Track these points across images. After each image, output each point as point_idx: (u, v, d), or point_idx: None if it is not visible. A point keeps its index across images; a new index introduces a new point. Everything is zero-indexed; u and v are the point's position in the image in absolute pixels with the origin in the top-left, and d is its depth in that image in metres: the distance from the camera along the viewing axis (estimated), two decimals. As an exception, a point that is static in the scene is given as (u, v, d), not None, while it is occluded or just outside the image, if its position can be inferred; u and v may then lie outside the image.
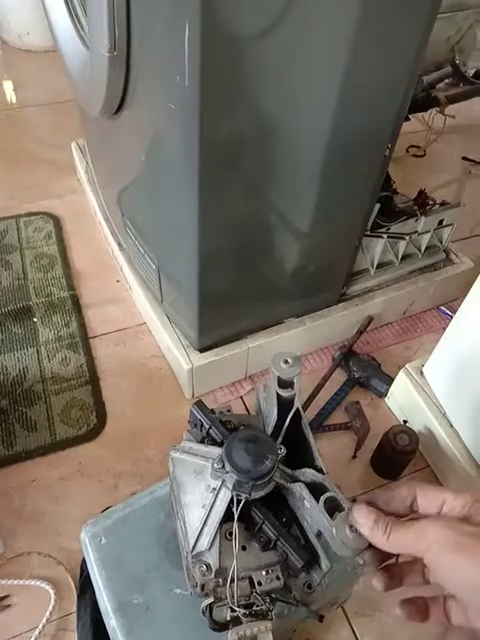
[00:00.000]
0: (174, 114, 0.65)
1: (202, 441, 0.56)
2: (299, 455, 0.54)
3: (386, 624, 0.80)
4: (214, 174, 0.70)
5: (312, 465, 0.52)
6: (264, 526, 0.50)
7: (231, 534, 0.50)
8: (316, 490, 0.48)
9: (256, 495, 0.49)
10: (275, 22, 0.59)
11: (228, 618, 0.53)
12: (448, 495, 0.40)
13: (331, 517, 0.45)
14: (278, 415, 0.53)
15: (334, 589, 0.64)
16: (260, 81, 0.63)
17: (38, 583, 0.80)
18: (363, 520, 0.41)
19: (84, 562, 0.80)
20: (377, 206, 0.93)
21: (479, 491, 0.40)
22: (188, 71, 0.59)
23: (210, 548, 0.49)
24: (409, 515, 0.42)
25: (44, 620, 0.76)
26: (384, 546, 0.40)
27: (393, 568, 0.44)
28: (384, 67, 0.69)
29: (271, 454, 0.49)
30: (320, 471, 0.50)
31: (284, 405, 0.54)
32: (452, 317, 1.18)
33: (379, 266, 1.08)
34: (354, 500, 0.45)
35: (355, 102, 0.70)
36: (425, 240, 1.09)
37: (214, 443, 0.55)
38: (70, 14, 0.87)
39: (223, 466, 0.49)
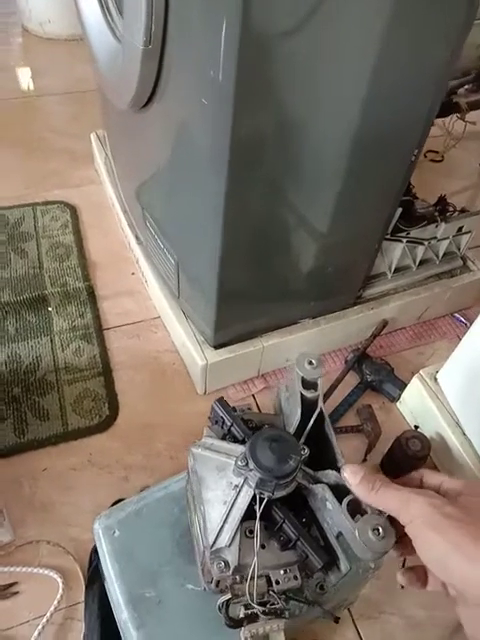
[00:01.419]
0: (206, 109, 0.65)
1: (223, 438, 0.57)
2: (320, 456, 0.54)
3: (391, 626, 0.80)
4: (241, 171, 0.69)
5: (334, 466, 0.52)
6: (284, 525, 0.50)
7: (251, 532, 0.50)
8: (338, 492, 0.48)
9: (278, 494, 0.49)
10: (308, 19, 0.59)
11: (242, 615, 0.53)
12: (446, 477, 0.44)
13: (353, 520, 0.46)
14: (301, 416, 0.54)
15: (344, 591, 0.64)
16: (291, 79, 0.63)
17: (46, 572, 0.80)
18: (351, 474, 0.45)
19: (93, 552, 0.81)
20: (399, 210, 0.92)
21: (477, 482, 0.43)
22: (223, 67, 0.59)
23: (230, 545, 0.49)
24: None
25: (52, 608, 0.76)
26: (370, 499, 0.44)
27: (419, 569, 0.46)
28: (416, 70, 0.69)
29: (295, 454, 0.49)
30: (343, 473, 0.50)
31: (307, 406, 0.54)
32: (466, 324, 1.19)
33: (396, 270, 1.08)
34: None
35: (384, 104, 0.70)
36: (443, 246, 1.09)
37: (235, 440, 0.55)
38: (101, 6, 0.87)
39: (247, 464, 0.49)
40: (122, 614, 0.61)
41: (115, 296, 1.18)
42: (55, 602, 0.77)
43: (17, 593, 0.79)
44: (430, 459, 0.95)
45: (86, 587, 0.78)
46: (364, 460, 0.96)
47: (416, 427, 1.00)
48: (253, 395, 1.04)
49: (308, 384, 0.55)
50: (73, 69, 1.84)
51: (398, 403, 1.05)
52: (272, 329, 1.01)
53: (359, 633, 0.79)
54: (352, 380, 1.07)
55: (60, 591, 0.78)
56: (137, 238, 1.16)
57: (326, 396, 1.02)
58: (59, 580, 0.79)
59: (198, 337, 0.99)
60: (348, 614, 0.80)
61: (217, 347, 0.97)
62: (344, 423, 1.01)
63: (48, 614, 0.75)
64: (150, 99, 0.76)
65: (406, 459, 0.89)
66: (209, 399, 1.02)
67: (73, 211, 1.35)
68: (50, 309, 1.13)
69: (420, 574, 0.46)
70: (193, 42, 0.63)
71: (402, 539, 0.44)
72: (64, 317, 1.12)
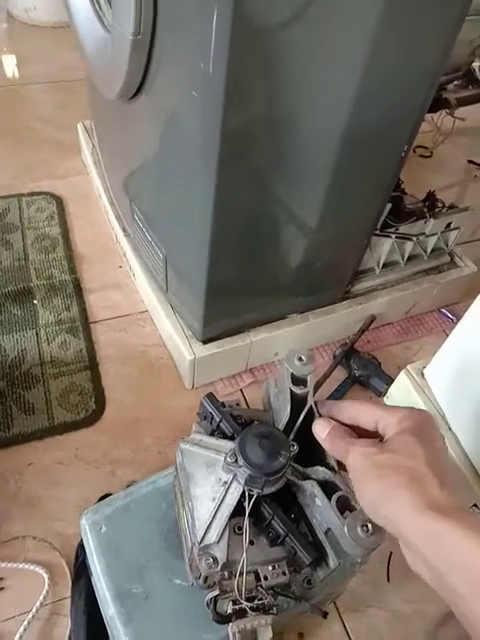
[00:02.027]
0: (195, 102, 0.64)
1: (212, 434, 0.56)
2: (309, 452, 0.54)
3: (377, 620, 0.81)
4: (230, 164, 0.69)
5: (323, 463, 0.52)
6: (273, 522, 0.50)
7: (239, 528, 0.50)
8: (327, 488, 0.49)
9: (268, 491, 0.49)
10: (301, 12, 0.58)
11: (230, 611, 0.53)
12: (380, 413, 0.45)
13: (342, 515, 0.46)
14: (291, 412, 0.53)
15: (331, 585, 0.64)
16: (282, 72, 0.63)
17: (32, 567, 0.79)
18: (319, 431, 0.48)
19: (79, 548, 0.80)
20: (389, 206, 0.92)
21: (411, 410, 0.44)
22: (213, 59, 0.58)
23: (218, 541, 0.49)
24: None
25: (37, 604, 0.76)
26: (330, 451, 0.48)
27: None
28: (408, 66, 0.69)
29: (284, 450, 0.49)
30: (332, 469, 0.50)
31: (297, 402, 0.54)
32: (453, 320, 1.20)
33: (385, 266, 1.08)
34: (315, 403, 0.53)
35: (376, 99, 0.70)
36: (431, 242, 1.10)
37: (224, 436, 0.55)
38: (89, -7, 0.85)
39: (236, 460, 0.49)
40: (109, 610, 0.60)
41: (102, 289, 1.16)
42: (41, 598, 0.76)
43: (2, 589, 0.78)
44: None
45: (72, 583, 0.77)
46: (351, 455, 0.96)
47: (403, 422, 1.00)
48: (241, 390, 1.04)
49: (298, 380, 0.55)
50: (60, 57, 1.81)
51: (385, 398, 1.05)
52: (260, 324, 1.01)
53: (345, 627, 0.80)
54: (340, 375, 1.07)
55: (46, 587, 0.77)
56: (124, 230, 1.15)
57: (313, 391, 1.02)
58: (45, 576, 0.79)
59: (186, 331, 0.98)
60: (334, 607, 0.81)
61: (205, 342, 0.97)
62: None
63: (34, 610, 0.75)
64: (139, 90, 0.75)
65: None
66: (197, 393, 1.02)
67: (59, 202, 1.33)
68: (35, 302, 1.11)
69: None
70: (183, 33, 0.62)
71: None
72: (50, 310, 1.10)
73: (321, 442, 0.48)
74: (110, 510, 0.66)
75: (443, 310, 1.22)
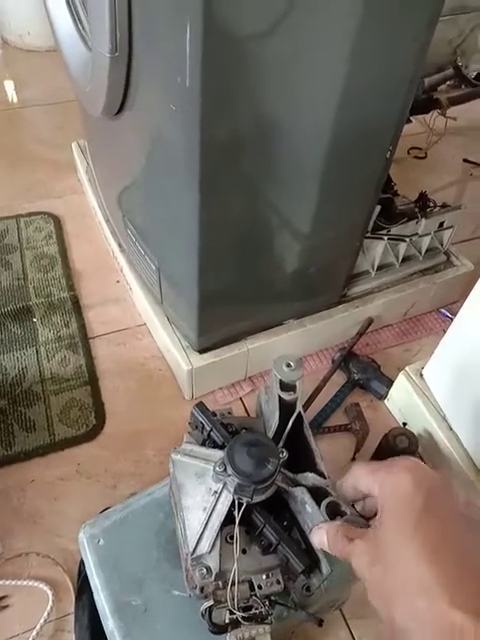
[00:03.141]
0: (175, 115, 0.65)
1: (203, 443, 0.56)
2: (301, 459, 0.54)
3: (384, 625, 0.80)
4: (215, 175, 0.69)
5: (314, 469, 0.52)
6: (265, 530, 0.50)
7: (232, 537, 0.50)
8: (318, 494, 0.48)
9: (257, 499, 0.49)
10: (276, 23, 0.59)
11: (227, 621, 0.52)
12: (370, 483, 0.41)
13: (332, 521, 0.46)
14: (280, 418, 0.53)
15: (333, 591, 0.64)
16: (261, 82, 0.63)
17: (36, 584, 0.79)
18: (319, 543, 0.45)
19: (82, 563, 0.80)
20: (378, 208, 0.93)
21: (385, 476, 0.40)
22: (189, 72, 0.59)
23: (210, 551, 0.49)
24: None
25: (42, 621, 0.75)
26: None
27: None
28: (385, 69, 0.69)
29: (273, 458, 0.49)
30: (322, 475, 0.50)
31: (286, 408, 0.54)
32: (452, 319, 1.18)
33: (379, 268, 1.08)
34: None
35: (356, 103, 0.70)
36: (426, 242, 1.09)
37: (215, 446, 0.55)
38: (72, 14, 0.87)
39: (225, 469, 0.49)
40: (109, 623, 0.60)
41: (100, 304, 1.17)
42: (45, 614, 0.76)
43: (7, 606, 0.78)
44: (418, 456, 0.95)
45: (76, 598, 0.77)
46: (353, 459, 0.96)
47: (404, 424, 1.00)
48: (241, 398, 1.04)
49: (286, 386, 0.55)
50: (55, 79, 1.83)
51: (386, 400, 1.05)
52: (257, 331, 1.01)
53: (352, 633, 0.79)
54: (339, 379, 1.07)
55: (50, 603, 0.77)
56: (120, 246, 1.16)
57: (313, 396, 1.02)
58: (49, 592, 0.79)
59: (183, 342, 0.98)
60: (340, 614, 0.80)
61: (202, 351, 0.97)
62: (332, 422, 1.01)
63: (38, 627, 0.75)
64: (122, 106, 0.76)
65: (394, 456, 0.89)
66: (197, 404, 1.01)
67: (57, 221, 1.35)
68: (35, 320, 1.12)
69: None
70: (159, 48, 0.63)
71: None
72: (49, 327, 1.11)
73: (330, 552, 0.44)
74: (108, 523, 0.66)
75: (442, 310, 1.21)
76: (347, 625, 0.79)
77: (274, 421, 0.54)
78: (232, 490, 0.49)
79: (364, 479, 0.43)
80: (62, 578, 0.80)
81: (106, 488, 0.91)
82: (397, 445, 0.88)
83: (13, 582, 0.79)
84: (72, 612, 0.77)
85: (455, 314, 1.19)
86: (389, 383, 1.03)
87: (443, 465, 0.91)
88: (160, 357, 1.09)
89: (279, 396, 0.54)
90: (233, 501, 0.49)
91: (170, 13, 0.58)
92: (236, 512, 0.49)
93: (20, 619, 0.77)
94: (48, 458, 0.94)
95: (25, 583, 0.79)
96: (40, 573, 0.81)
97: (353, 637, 0.79)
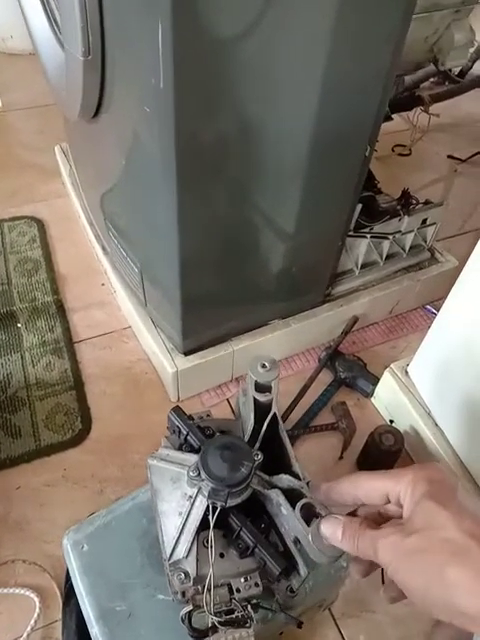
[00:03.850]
0: (150, 117, 0.65)
1: (180, 447, 0.56)
2: (277, 460, 0.54)
3: (373, 624, 0.80)
4: (192, 176, 0.69)
5: (289, 471, 0.51)
6: (242, 533, 0.49)
7: (208, 541, 0.50)
8: (293, 496, 0.48)
9: (232, 503, 0.48)
10: (250, 22, 0.59)
11: (209, 625, 0.52)
12: (387, 484, 0.41)
13: (308, 524, 0.45)
14: (256, 420, 0.53)
15: (319, 591, 0.64)
16: (236, 82, 0.63)
17: (23, 591, 0.79)
18: (331, 534, 0.42)
19: (68, 569, 0.80)
20: (359, 206, 0.92)
21: (416, 469, 0.40)
22: (162, 73, 0.58)
23: (187, 556, 0.49)
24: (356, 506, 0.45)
25: (28, 629, 0.75)
26: (356, 554, 0.41)
27: None
28: (361, 67, 0.69)
29: (247, 461, 0.49)
30: (297, 477, 0.50)
31: (262, 410, 0.54)
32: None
33: (363, 266, 1.08)
34: (308, 483, 0.48)
35: (333, 103, 0.70)
36: (409, 240, 1.09)
37: (192, 450, 0.55)
38: (48, 17, 0.86)
39: (199, 474, 0.48)
40: (93, 629, 0.60)
41: (85, 308, 1.17)
42: (32, 622, 0.76)
43: (-7, 615, 0.78)
44: (405, 452, 0.95)
45: (63, 604, 0.77)
46: (340, 458, 0.96)
47: (391, 422, 1.00)
48: (227, 399, 1.04)
49: (262, 388, 0.55)
50: (37, 83, 1.80)
51: (372, 398, 1.05)
52: (242, 332, 1.00)
53: (341, 633, 0.79)
54: (326, 378, 1.07)
55: (37, 610, 0.77)
56: (104, 249, 1.16)
57: (300, 395, 1.02)
58: (36, 599, 0.78)
59: (168, 344, 0.98)
60: (329, 614, 0.80)
61: (187, 353, 0.97)
62: (319, 421, 1.00)
63: (25, 635, 0.75)
64: (98, 109, 0.76)
65: (380, 454, 0.89)
66: (183, 406, 1.01)
67: (40, 225, 1.34)
68: (19, 325, 1.12)
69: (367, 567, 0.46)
70: (132, 50, 0.63)
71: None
72: (34, 332, 1.11)
73: (338, 545, 0.42)
74: (91, 528, 0.65)
75: (428, 306, 1.21)
76: (336, 625, 0.79)
77: (250, 423, 0.53)
78: (206, 494, 0.49)
79: (372, 483, 0.42)
80: (49, 585, 0.80)
81: (93, 493, 0.90)
82: (383, 443, 0.88)
83: (0, 590, 0.79)
84: (59, 619, 0.76)
85: (440, 310, 1.19)
86: (375, 381, 1.03)
87: (429, 461, 0.91)
88: (146, 360, 1.08)
89: (254, 397, 0.54)
90: (208, 505, 0.49)
91: (141, 13, 0.58)
92: (211, 516, 0.48)
93: (7, 628, 0.76)
94: (34, 464, 0.93)
95: (11, 591, 0.79)
96: (27, 580, 0.81)
97: (342, 637, 0.79)
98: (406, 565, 0.37)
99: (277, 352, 1.07)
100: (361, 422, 0.99)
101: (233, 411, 1.03)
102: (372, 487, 0.42)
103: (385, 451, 0.88)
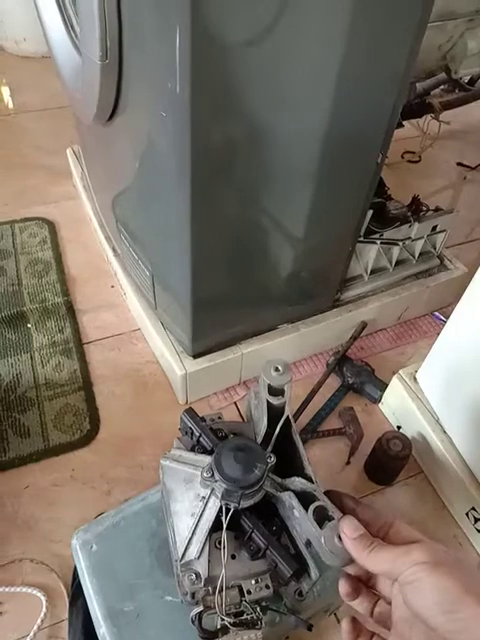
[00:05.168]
0: (165, 121, 0.66)
1: (192, 449, 0.56)
2: (290, 463, 0.54)
3: (379, 629, 0.80)
4: (206, 180, 0.70)
5: (302, 473, 0.52)
6: (253, 535, 0.50)
7: (220, 543, 0.50)
8: (305, 499, 0.48)
9: (245, 504, 0.49)
10: (265, 29, 0.59)
11: (218, 626, 0.53)
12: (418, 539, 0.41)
13: (320, 526, 0.46)
14: (268, 423, 0.54)
15: (327, 596, 0.64)
16: (251, 88, 0.64)
17: (30, 590, 0.79)
18: (349, 532, 0.42)
19: (76, 569, 0.80)
20: (370, 212, 0.93)
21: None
22: (179, 78, 0.59)
23: (199, 557, 0.49)
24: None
25: (35, 628, 0.75)
26: (363, 560, 0.41)
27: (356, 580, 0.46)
28: (375, 74, 0.70)
29: (260, 463, 0.49)
30: (309, 479, 0.50)
31: (274, 413, 0.54)
32: (446, 323, 1.19)
33: (373, 272, 1.08)
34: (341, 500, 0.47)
35: (346, 109, 0.71)
36: (419, 246, 1.10)
37: (204, 451, 0.55)
38: (64, 21, 0.87)
39: (212, 475, 0.49)
40: (101, 629, 0.60)
41: (95, 310, 1.17)
42: (38, 621, 0.76)
43: (0, 614, 0.78)
44: (413, 459, 0.95)
45: (70, 604, 0.77)
46: (347, 463, 0.96)
47: (398, 428, 1.00)
48: (235, 403, 1.04)
49: (275, 391, 0.55)
50: (50, 86, 1.83)
51: (380, 404, 1.05)
52: (251, 336, 1.01)
53: (346, 638, 0.79)
54: (334, 383, 1.07)
55: (43, 610, 0.77)
56: (114, 251, 1.16)
57: (308, 400, 1.02)
58: (43, 598, 0.78)
59: (177, 347, 0.99)
60: (334, 619, 0.80)
61: (196, 356, 0.97)
62: (326, 426, 1.01)
63: (31, 634, 0.75)
64: (113, 113, 0.77)
65: (388, 460, 0.89)
66: (191, 409, 1.02)
67: (51, 227, 1.35)
68: (29, 326, 1.13)
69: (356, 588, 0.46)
70: (149, 54, 0.64)
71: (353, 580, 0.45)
72: (43, 333, 1.11)
73: (348, 545, 0.42)
74: (100, 529, 0.66)
75: (436, 313, 1.21)
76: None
77: (262, 426, 0.54)
78: (220, 496, 0.49)
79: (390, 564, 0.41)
80: (56, 584, 0.80)
81: (101, 494, 0.91)
82: (391, 448, 0.88)
83: (7, 589, 0.79)
84: (66, 618, 0.77)
85: (449, 318, 1.19)
86: (383, 387, 1.03)
87: (437, 468, 0.91)
88: (155, 362, 1.09)
89: (267, 401, 0.54)
90: (221, 507, 0.49)
91: (159, 19, 0.59)
92: (223, 518, 0.49)
93: (13, 626, 0.77)
94: (42, 464, 0.94)
95: (19, 590, 0.79)
96: (34, 579, 0.81)
97: (347, 642, 0.78)
98: (438, 569, 0.38)
99: (285, 356, 1.06)
100: (368, 428, 0.99)
101: (240, 414, 1.04)
102: (405, 533, 0.43)
103: (393, 457, 0.88)
